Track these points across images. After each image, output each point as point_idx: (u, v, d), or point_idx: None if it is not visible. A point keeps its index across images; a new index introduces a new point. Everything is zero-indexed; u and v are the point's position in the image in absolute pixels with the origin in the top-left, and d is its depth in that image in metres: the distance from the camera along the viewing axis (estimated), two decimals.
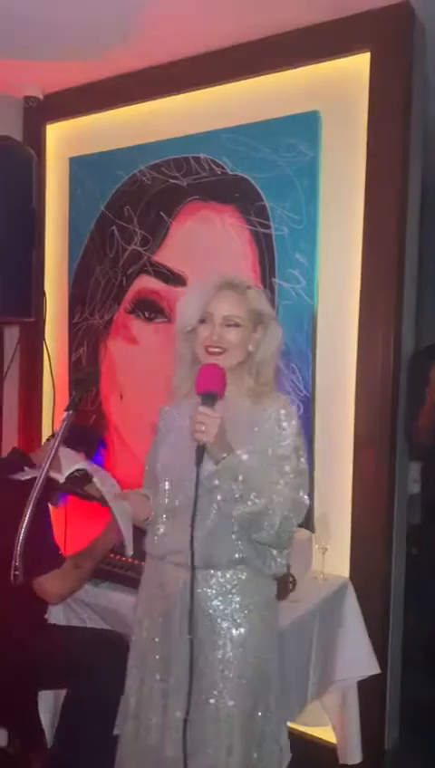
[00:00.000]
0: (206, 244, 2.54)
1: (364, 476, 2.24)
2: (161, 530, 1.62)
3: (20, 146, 2.63)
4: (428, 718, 2.53)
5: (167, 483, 1.63)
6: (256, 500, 1.47)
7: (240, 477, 1.47)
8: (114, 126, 2.78)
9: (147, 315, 2.73)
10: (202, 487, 1.47)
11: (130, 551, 1.66)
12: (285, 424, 1.57)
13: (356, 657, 2.14)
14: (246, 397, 1.60)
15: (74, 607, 2.20)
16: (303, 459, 1.58)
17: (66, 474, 1.56)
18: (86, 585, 2.12)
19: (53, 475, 1.56)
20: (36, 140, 2.94)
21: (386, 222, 2.19)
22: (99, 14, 2.25)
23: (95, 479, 1.61)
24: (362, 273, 2.23)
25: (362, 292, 2.23)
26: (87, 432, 2.74)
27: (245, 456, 1.49)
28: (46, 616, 2.18)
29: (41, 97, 2.87)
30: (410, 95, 2.19)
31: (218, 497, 1.51)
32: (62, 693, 2.10)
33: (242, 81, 2.44)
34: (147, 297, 2.72)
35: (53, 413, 2.95)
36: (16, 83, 2.82)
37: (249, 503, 1.47)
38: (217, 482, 1.48)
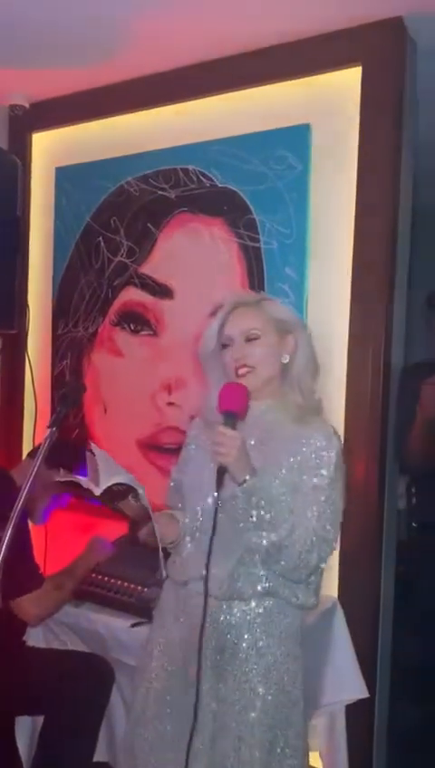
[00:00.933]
0: (194, 256, 2.51)
1: (354, 493, 2.19)
2: (184, 553, 1.55)
3: (4, 154, 2.59)
4: (416, 744, 2.47)
5: (192, 503, 1.56)
6: (273, 532, 1.42)
7: (262, 503, 1.41)
8: (101, 136, 2.75)
9: (132, 328, 2.68)
10: (226, 513, 1.41)
11: (163, 573, 1.60)
12: (324, 453, 1.49)
13: (345, 680, 2.08)
14: (292, 417, 1.52)
15: (54, 628, 2.13)
16: (339, 493, 1.50)
17: (104, 486, 1.45)
18: (68, 606, 2.06)
19: (88, 484, 1.47)
20: (22, 149, 2.88)
21: (377, 236, 2.17)
22: (88, 24, 2.22)
23: (141, 495, 1.50)
24: (351, 288, 2.21)
25: (351, 306, 2.21)
26: (69, 447, 2.68)
27: (276, 481, 1.43)
28: (25, 638, 2.11)
29: (27, 105, 2.83)
30: (402, 110, 2.18)
31: (241, 524, 1.44)
32: (41, 719, 2.02)
33: (232, 93, 2.42)
34: (133, 309, 2.67)
35: (34, 427, 2.88)
36: (2, 92, 2.77)
37: (264, 533, 1.42)
38: (239, 506, 1.41)
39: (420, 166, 2.48)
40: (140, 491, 1.46)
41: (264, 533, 1.42)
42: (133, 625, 1.96)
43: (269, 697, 1.49)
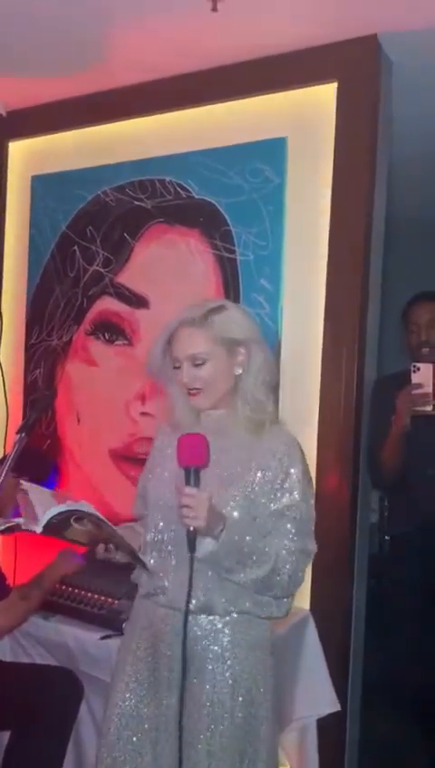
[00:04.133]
0: (170, 267, 2.50)
1: (326, 506, 2.19)
2: (148, 566, 1.52)
3: None
4: (388, 757, 2.47)
5: (158, 516, 1.53)
6: (263, 565, 1.40)
7: (245, 549, 1.39)
8: (79, 145, 2.74)
9: (107, 337, 2.66)
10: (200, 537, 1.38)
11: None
12: (292, 470, 1.47)
13: (316, 693, 2.07)
14: (244, 429, 1.50)
15: (22, 642, 2.09)
16: (312, 503, 1.50)
17: (43, 522, 1.37)
18: (36, 619, 2.02)
19: (28, 525, 1.40)
20: None
21: (351, 249, 2.19)
22: (68, 33, 2.22)
23: (86, 512, 1.39)
24: (326, 300, 2.22)
25: (325, 318, 2.22)
26: (39, 457, 2.65)
27: (235, 514, 1.40)
28: None
29: (3, 113, 2.82)
30: (376, 126, 2.21)
31: (221, 569, 1.42)
32: (6, 734, 1.97)
33: (210, 106, 2.43)
34: (108, 319, 2.66)
35: (5, 436, 2.84)
36: None
37: (254, 568, 1.40)
38: (221, 556, 1.38)
39: (395, 180, 2.52)
40: (83, 508, 1.39)
41: (255, 568, 1.40)
42: (103, 637, 1.93)
43: (237, 709, 1.46)
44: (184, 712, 1.40)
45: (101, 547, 1.48)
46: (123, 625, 1.88)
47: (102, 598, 2.03)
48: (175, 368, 1.51)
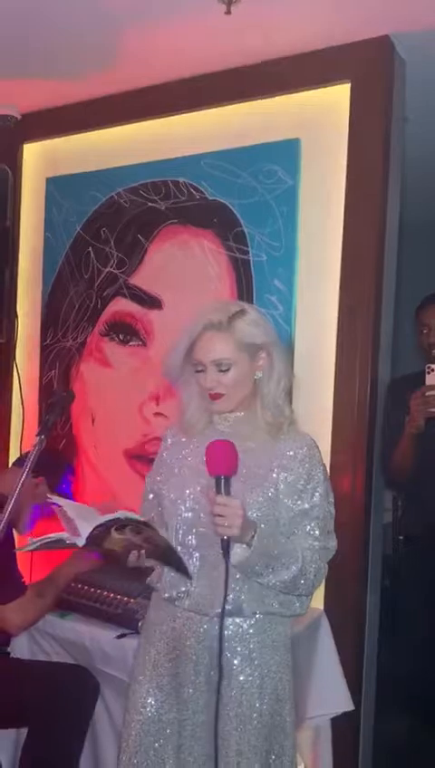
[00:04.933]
0: (183, 268, 2.52)
1: (341, 506, 2.19)
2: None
3: None
4: (402, 756, 2.47)
5: (179, 520, 1.52)
6: (290, 566, 1.42)
7: (274, 552, 1.41)
8: (93, 147, 2.76)
9: (121, 338, 2.68)
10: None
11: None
12: (314, 472, 1.50)
13: (330, 692, 2.07)
14: (264, 432, 1.51)
15: (39, 640, 2.11)
16: (331, 501, 1.53)
17: (86, 533, 1.37)
18: (53, 617, 2.04)
19: (70, 540, 1.40)
20: (13, 159, 2.89)
21: (365, 250, 2.19)
22: (81, 36, 2.24)
23: (127, 519, 1.38)
24: (339, 301, 2.22)
25: (339, 319, 2.22)
26: (54, 457, 2.67)
27: (259, 516, 1.41)
28: (9, 649, 2.09)
29: (18, 116, 2.84)
30: (390, 127, 2.21)
31: (252, 573, 1.43)
32: (24, 731, 1.99)
33: (223, 108, 2.44)
34: (122, 320, 2.68)
35: (21, 436, 2.86)
36: None
37: (283, 570, 1.41)
38: (252, 562, 1.39)
39: (409, 181, 2.51)
40: (130, 516, 1.38)
41: (284, 571, 1.42)
42: (119, 636, 1.95)
43: (265, 707, 1.49)
44: (219, 715, 1.41)
45: (133, 554, 1.48)
46: (139, 625, 1.90)
47: (118, 597, 2.05)
48: (198, 371, 1.51)
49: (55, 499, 1.49)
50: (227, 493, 1.34)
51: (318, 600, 2.20)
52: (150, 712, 1.53)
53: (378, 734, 2.39)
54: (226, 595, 1.38)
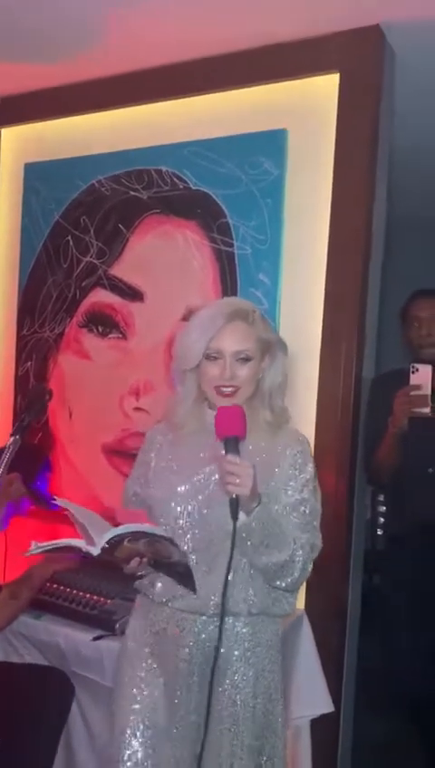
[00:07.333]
0: (165, 259, 2.45)
1: (323, 501, 2.16)
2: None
3: None
4: (381, 757, 2.46)
5: (175, 521, 1.50)
6: (283, 549, 1.41)
7: (275, 530, 1.40)
8: (74, 133, 2.68)
9: (100, 330, 2.61)
10: (226, 537, 1.37)
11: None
12: (306, 467, 1.51)
13: (311, 694, 2.04)
14: (264, 432, 1.51)
15: (13, 641, 2.05)
16: (317, 497, 1.53)
17: (101, 545, 1.33)
18: (27, 618, 1.98)
19: (87, 548, 1.35)
20: None
21: (351, 245, 2.15)
22: (63, 19, 2.16)
23: (153, 533, 1.34)
24: (325, 296, 2.18)
25: (324, 314, 2.18)
26: (30, 452, 2.60)
27: (264, 499, 1.40)
28: None
29: None
30: (378, 118, 2.17)
31: (247, 546, 1.40)
32: None
33: (208, 95, 2.38)
34: (101, 311, 2.61)
35: None
36: None
37: (275, 552, 1.40)
38: (244, 534, 1.37)
39: (397, 173, 2.48)
40: (146, 529, 1.34)
41: (276, 552, 1.41)
42: (95, 638, 1.89)
43: (259, 706, 1.49)
44: (211, 715, 1.41)
45: (134, 561, 1.44)
46: (116, 626, 1.85)
47: (95, 597, 1.99)
48: (211, 360, 1.46)
49: (61, 502, 1.43)
50: (237, 453, 1.34)
51: (299, 600, 2.17)
52: (144, 717, 1.50)
53: (357, 734, 2.37)
54: (229, 566, 1.35)
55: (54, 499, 1.46)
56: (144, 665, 1.53)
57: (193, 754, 1.46)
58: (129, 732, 1.50)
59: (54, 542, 1.42)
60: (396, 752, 2.53)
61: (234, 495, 1.32)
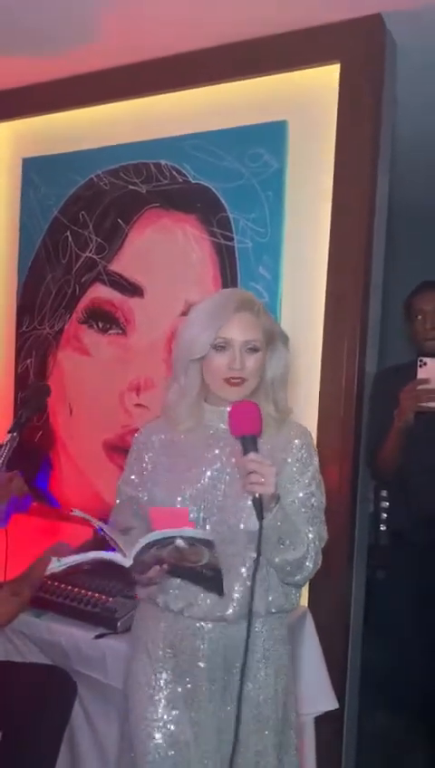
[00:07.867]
0: (165, 254, 2.43)
1: (327, 495, 2.14)
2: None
3: None
4: (385, 754, 2.44)
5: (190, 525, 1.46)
6: (298, 547, 1.40)
7: (291, 528, 1.39)
8: (72, 127, 2.65)
9: (100, 326, 2.59)
10: (239, 537, 1.36)
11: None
12: (311, 461, 1.51)
13: (315, 691, 2.02)
14: (269, 427, 1.47)
15: (14, 639, 2.03)
16: (322, 490, 1.52)
17: (133, 554, 1.29)
18: (27, 617, 1.96)
19: (120, 561, 1.31)
20: None
21: (353, 237, 2.13)
22: (60, 11, 2.13)
23: (185, 540, 1.30)
24: (326, 289, 2.16)
25: (326, 308, 2.16)
26: (30, 449, 2.58)
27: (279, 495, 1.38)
28: None
29: None
30: (380, 109, 2.14)
31: (264, 545, 1.37)
32: None
33: (207, 87, 2.35)
34: (101, 307, 2.59)
35: None
36: None
37: (291, 549, 1.39)
38: (273, 532, 1.36)
39: (399, 164, 2.45)
40: (184, 533, 1.30)
41: (292, 549, 1.40)
42: (97, 636, 1.88)
43: (280, 704, 1.49)
44: (240, 720, 1.36)
45: (154, 569, 1.38)
46: (117, 624, 1.84)
47: (96, 595, 1.97)
48: (222, 348, 1.43)
49: (79, 514, 1.41)
50: (256, 451, 1.31)
51: (302, 597, 2.15)
52: (166, 734, 1.45)
53: (361, 731, 2.36)
54: (257, 565, 1.32)
55: (72, 511, 1.42)
56: (157, 683, 1.47)
57: (218, 761, 1.44)
58: (150, 756, 1.45)
59: (80, 556, 1.37)
60: (401, 749, 2.51)
61: (257, 495, 1.30)
